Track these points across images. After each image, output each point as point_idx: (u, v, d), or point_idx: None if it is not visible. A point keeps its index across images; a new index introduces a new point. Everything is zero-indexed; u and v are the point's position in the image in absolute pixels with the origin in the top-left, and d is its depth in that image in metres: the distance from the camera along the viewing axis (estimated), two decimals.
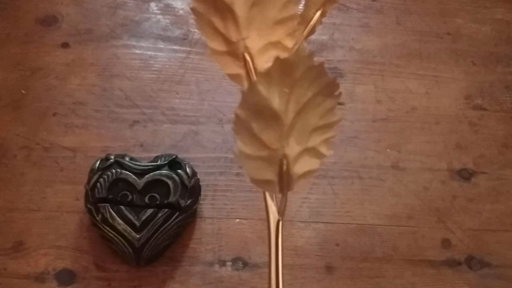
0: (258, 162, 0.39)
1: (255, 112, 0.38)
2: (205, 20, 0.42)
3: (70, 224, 0.60)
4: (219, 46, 0.43)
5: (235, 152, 0.40)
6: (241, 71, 0.43)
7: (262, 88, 0.37)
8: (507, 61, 0.74)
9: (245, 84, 0.43)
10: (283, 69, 0.36)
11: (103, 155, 0.61)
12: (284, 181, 0.40)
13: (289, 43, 0.43)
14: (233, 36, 0.42)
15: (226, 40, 0.42)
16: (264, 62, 0.42)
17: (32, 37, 0.72)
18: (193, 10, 0.42)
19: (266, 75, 0.37)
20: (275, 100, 0.37)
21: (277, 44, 0.43)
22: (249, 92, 0.37)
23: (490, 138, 0.68)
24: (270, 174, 0.40)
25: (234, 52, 0.43)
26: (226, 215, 0.61)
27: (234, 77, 0.43)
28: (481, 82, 0.72)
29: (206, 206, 0.62)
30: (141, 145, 0.65)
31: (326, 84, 0.38)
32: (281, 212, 0.42)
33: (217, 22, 0.42)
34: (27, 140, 0.65)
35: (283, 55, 0.41)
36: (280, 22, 0.43)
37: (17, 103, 0.67)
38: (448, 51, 0.74)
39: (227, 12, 0.41)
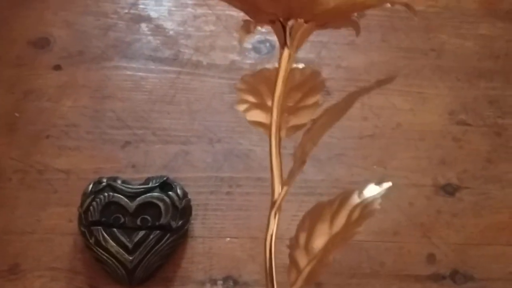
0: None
1: None
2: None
3: (64, 246, 0.61)
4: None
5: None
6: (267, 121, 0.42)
7: None
8: (490, 76, 0.75)
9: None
10: None
11: (95, 177, 0.63)
12: None
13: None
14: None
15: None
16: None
17: (24, 59, 0.74)
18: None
19: None
20: None
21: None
22: None
23: (473, 153, 0.70)
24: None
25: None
26: (217, 234, 0.63)
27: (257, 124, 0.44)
28: (465, 97, 0.74)
29: (197, 226, 0.63)
30: (133, 166, 0.67)
31: None
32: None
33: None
34: (21, 163, 0.66)
35: None
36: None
37: (11, 126, 0.69)
38: (432, 67, 0.76)
39: None
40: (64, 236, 0.62)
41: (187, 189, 0.63)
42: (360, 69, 0.75)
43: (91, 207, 0.58)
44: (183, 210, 0.60)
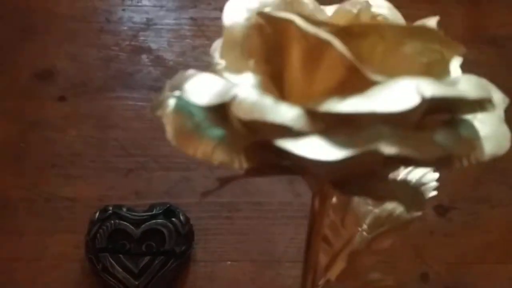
0: None
1: None
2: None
3: (72, 272, 0.64)
4: None
5: None
6: None
7: None
8: None
9: None
10: None
11: (100, 204, 0.65)
12: None
13: None
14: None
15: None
16: None
17: (29, 91, 0.76)
18: None
19: None
20: None
21: None
22: None
23: (463, 174, 0.72)
24: None
25: None
26: (218, 258, 0.65)
27: None
28: None
29: (199, 250, 0.66)
30: (136, 193, 0.69)
31: None
32: None
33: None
34: (28, 192, 0.69)
35: None
36: None
37: (18, 156, 0.71)
38: None
39: None
40: (72, 262, 0.64)
41: (188, 214, 0.65)
42: None
43: (98, 235, 0.60)
44: (186, 236, 0.62)
